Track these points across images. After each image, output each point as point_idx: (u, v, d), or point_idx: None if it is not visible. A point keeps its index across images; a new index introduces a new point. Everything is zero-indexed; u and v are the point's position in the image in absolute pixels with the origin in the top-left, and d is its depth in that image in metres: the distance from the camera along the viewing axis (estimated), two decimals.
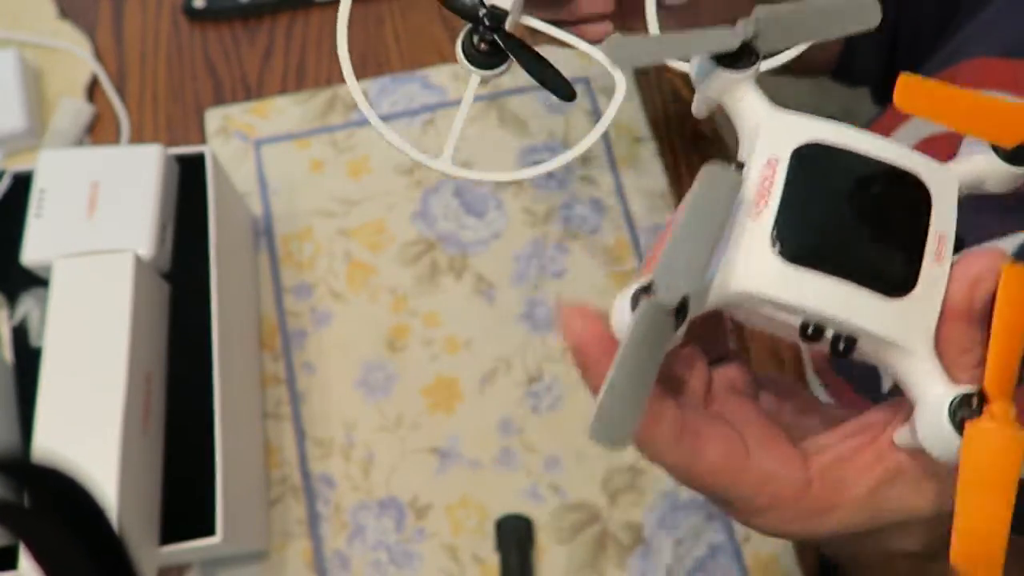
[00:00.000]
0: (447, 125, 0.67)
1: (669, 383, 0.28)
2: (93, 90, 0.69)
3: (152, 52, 0.71)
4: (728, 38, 0.26)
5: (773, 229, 0.24)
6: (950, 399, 0.24)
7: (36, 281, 0.51)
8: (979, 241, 0.47)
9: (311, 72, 0.70)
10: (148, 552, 0.45)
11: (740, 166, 0.25)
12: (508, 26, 0.34)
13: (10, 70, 0.65)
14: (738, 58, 0.26)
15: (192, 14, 0.71)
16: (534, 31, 0.37)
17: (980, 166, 0.26)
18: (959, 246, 0.25)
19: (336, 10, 0.35)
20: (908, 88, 0.25)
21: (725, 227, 0.23)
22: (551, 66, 0.35)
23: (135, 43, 0.71)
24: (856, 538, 0.29)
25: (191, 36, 0.71)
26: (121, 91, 0.69)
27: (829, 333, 0.24)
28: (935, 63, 0.52)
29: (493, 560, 0.54)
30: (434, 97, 0.68)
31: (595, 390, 0.23)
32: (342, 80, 0.69)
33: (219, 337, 0.49)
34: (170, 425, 0.50)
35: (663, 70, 0.68)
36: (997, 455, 0.23)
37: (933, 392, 0.24)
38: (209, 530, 0.45)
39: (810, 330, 0.24)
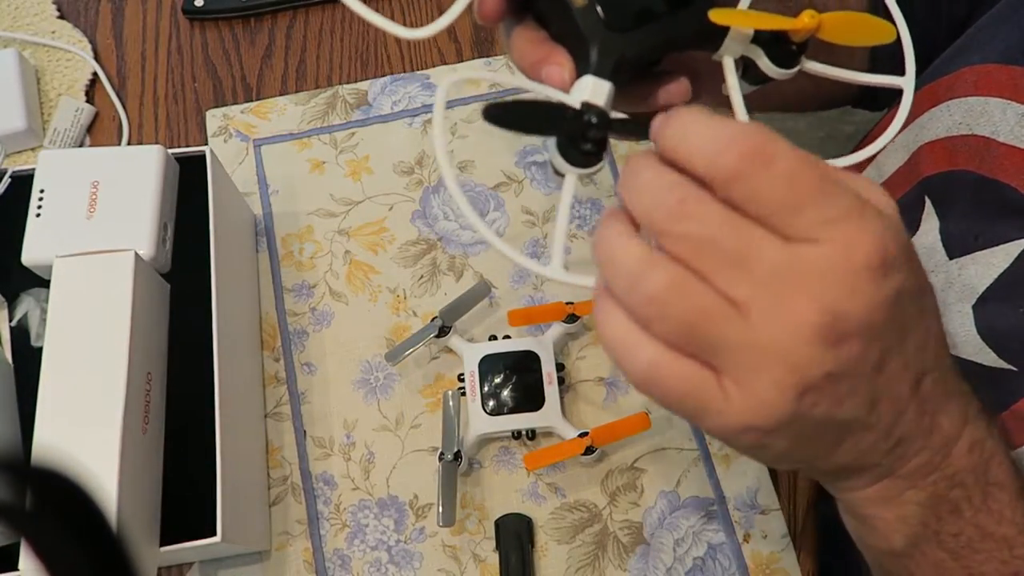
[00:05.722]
0: (448, 125, 0.67)
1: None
2: (93, 90, 0.69)
3: (152, 52, 0.71)
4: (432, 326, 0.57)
5: (481, 403, 0.55)
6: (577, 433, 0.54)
7: (36, 281, 0.51)
8: (994, 243, 0.47)
9: (311, 72, 0.70)
10: (148, 552, 0.45)
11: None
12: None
13: (10, 70, 0.65)
14: (440, 331, 0.57)
15: (192, 14, 0.71)
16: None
17: (558, 333, 0.58)
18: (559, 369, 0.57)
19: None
20: None
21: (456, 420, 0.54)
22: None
23: (135, 43, 0.71)
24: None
25: (191, 36, 0.71)
26: (121, 91, 0.69)
27: (524, 432, 0.55)
28: (935, 70, 0.52)
29: (493, 560, 0.54)
30: (435, 97, 0.68)
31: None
32: (342, 80, 0.69)
33: (219, 337, 0.49)
34: (170, 425, 0.50)
35: None
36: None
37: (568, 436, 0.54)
38: (209, 530, 0.45)
39: (520, 437, 0.56)
